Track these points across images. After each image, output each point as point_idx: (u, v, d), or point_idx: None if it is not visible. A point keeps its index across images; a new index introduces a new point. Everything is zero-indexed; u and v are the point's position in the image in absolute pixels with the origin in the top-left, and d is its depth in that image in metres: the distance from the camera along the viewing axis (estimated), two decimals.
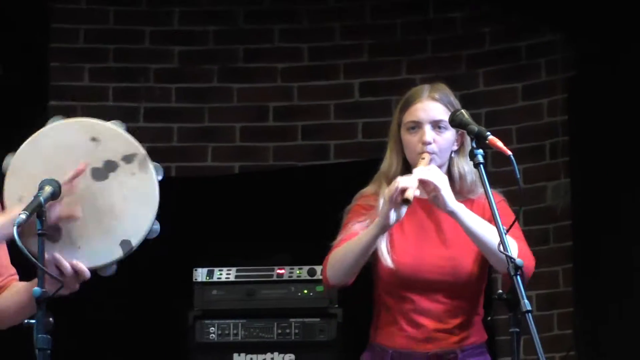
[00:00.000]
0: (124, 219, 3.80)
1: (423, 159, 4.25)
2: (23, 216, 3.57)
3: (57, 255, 3.68)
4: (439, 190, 4.14)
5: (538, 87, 7.19)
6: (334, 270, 4.30)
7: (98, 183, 3.78)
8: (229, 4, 7.56)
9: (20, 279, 3.98)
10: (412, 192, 4.07)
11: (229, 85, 7.53)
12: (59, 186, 3.69)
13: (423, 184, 4.13)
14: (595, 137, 6.79)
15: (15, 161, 3.80)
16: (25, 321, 3.63)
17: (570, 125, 6.99)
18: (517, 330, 3.97)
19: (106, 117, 3.87)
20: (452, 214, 4.18)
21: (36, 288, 3.57)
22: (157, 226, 3.81)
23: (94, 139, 3.80)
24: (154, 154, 4.00)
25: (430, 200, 4.20)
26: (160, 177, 3.84)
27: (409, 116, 4.34)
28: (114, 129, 3.83)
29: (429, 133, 4.28)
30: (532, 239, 4.39)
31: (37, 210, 3.60)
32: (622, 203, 6.49)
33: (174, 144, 7.39)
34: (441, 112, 4.31)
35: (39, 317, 3.56)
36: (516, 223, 4.05)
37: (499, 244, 3.86)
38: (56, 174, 3.72)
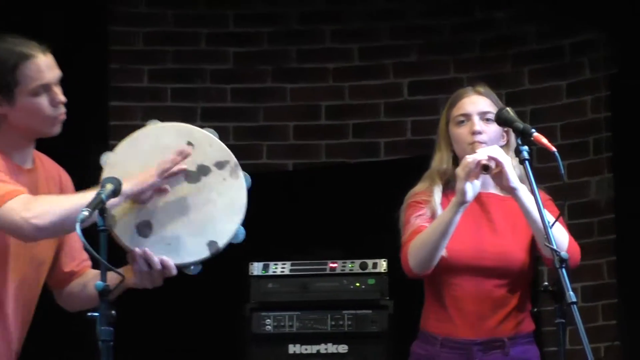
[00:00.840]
0: (213, 221, 3.84)
1: (473, 148, 4.27)
2: (85, 212, 3.60)
3: (148, 251, 3.73)
4: (503, 166, 4.16)
5: (582, 85, 7.17)
6: (417, 258, 4.27)
7: (191, 185, 3.83)
8: (282, 6, 7.58)
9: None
10: (486, 159, 4.12)
11: (282, 85, 7.56)
12: (120, 184, 3.72)
13: (490, 158, 4.15)
14: (638, 133, 6.76)
15: (114, 157, 3.83)
16: (88, 314, 3.69)
17: (613, 121, 6.97)
18: (563, 321, 3.97)
19: (164, 117, 3.90)
20: (513, 191, 4.18)
21: (99, 282, 3.57)
22: (243, 232, 3.86)
23: (189, 143, 3.84)
24: None
25: (492, 177, 4.21)
26: (248, 185, 3.89)
27: (458, 110, 4.38)
28: (209, 136, 3.90)
29: (478, 123, 4.32)
30: (576, 233, 4.39)
31: (98, 207, 3.59)
32: None
33: (230, 142, 7.30)
34: (487, 105, 4.36)
35: (102, 309, 3.57)
36: (561, 219, 4.07)
37: (544, 237, 3.88)
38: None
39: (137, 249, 3.71)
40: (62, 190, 3.99)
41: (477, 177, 4.14)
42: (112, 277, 3.61)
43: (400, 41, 7.51)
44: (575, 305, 3.83)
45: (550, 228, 3.86)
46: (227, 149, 3.91)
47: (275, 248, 6.45)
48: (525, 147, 4.01)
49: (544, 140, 4.02)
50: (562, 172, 4.02)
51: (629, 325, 6.63)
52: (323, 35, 7.58)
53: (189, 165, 3.81)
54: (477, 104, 4.37)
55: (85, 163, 3.91)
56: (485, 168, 4.11)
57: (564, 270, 3.86)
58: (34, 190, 3.84)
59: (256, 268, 6.29)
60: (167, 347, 6.67)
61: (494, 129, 4.33)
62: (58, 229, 3.74)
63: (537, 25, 7.31)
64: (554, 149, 3.97)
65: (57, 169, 4.03)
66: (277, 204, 7.12)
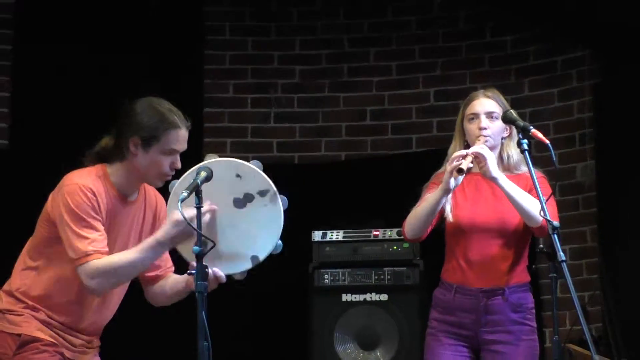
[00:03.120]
0: (255, 239, 3.79)
1: (479, 141, 4.31)
2: (185, 194, 3.59)
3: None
4: (486, 160, 4.20)
5: (570, 92, 7.10)
6: (410, 226, 4.36)
7: (238, 210, 3.78)
8: (336, 33, 7.56)
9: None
10: (466, 164, 4.15)
11: (337, 94, 7.53)
12: (212, 171, 3.72)
13: (476, 157, 4.17)
14: (614, 129, 6.71)
15: (178, 186, 3.76)
16: (188, 272, 3.68)
17: (595, 120, 6.91)
18: (555, 275, 3.97)
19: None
20: (493, 179, 4.23)
21: (195, 247, 3.58)
22: (280, 244, 3.81)
23: (238, 175, 3.78)
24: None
25: (479, 169, 4.24)
26: (285, 207, 3.81)
27: (469, 110, 4.42)
28: (254, 169, 3.79)
29: (484, 121, 4.35)
30: (565, 206, 4.41)
31: (195, 189, 3.62)
32: (634, 178, 6.41)
33: (296, 139, 7.41)
34: (493, 106, 4.38)
35: (199, 268, 3.57)
36: (552, 197, 4.15)
37: (540, 210, 3.91)
38: (207, 198, 3.69)
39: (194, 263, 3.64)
40: (155, 215, 3.97)
41: (456, 176, 4.16)
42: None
43: (428, 59, 7.47)
44: (564, 263, 3.84)
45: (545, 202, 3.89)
46: (268, 179, 3.79)
47: (331, 220, 6.43)
48: (525, 140, 4.10)
49: (540, 135, 4.08)
50: (554, 159, 4.07)
51: (606, 279, 6.58)
52: (368, 55, 7.55)
53: (237, 193, 3.76)
54: (485, 105, 4.39)
55: (183, 154, 3.89)
56: (460, 171, 4.13)
57: (555, 235, 3.86)
58: (132, 217, 3.88)
59: (317, 235, 6.29)
60: (247, 297, 6.68)
61: (497, 124, 4.36)
62: (116, 286, 3.82)
63: (535, 46, 7.24)
64: (547, 141, 4.04)
65: (155, 194, 4.00)
66: (333, 186, 7.11)
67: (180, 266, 3.88)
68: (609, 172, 6.73)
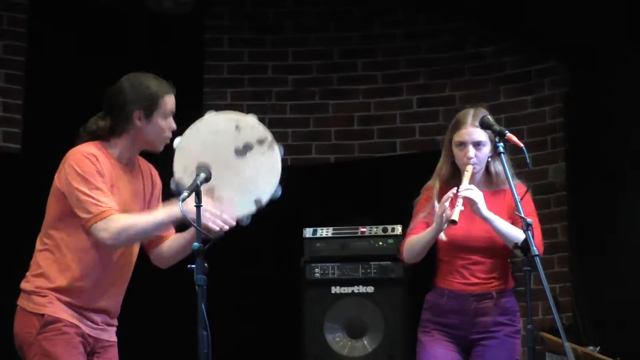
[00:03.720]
0: (257, 184, 3.84)
1: (467, 171, 4.27)
2: (185, 194, 3.61)
3: (213, 210, 3.71)
4: (477, 203, 4.18)
5: (542, 99, 7.10)
6: (408, 253, 4.37)
7: (239, 159, 3.84)
8: (326, 45, 7.55)
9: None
10: (457, 215, 4.10)
11: (327, 101, 7.52)
12: (210, 172, 3.72)
13: (466, 200, 4.15)
14: (583, 133, 6.71)
15: (182, 141, 3.86)
16: (188, 266, 3.67)
17: (565, 125, 6.92)
18: (529, 268, 3.97)
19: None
20: (486, 219, 4.21)
21: (195, 244, 3.59)
22: (280, 190, 3.85)
23: (237, 127, 3.87)
24: None
25: (472, 211, 4.22)
26: (282, 155, 3.88)
27: (458, 137, 4.35)
28: (252, 120, 3.90)
29: (471, 151, 4.30)
30: (538, 205, 4.39)
31: (195, 190, 3.64)
32: (601, 179, 6.41)
33: (289, 143, 7.39)
34: (480, 135, 4.32)
35: (198, 263, 3.57)
36: (536, 218, 4.19)
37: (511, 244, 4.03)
38: (210, 151, 3.80)
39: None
40: (153, 183, 4.02)
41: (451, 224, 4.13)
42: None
43: (411, 69, 7.46)
44: (537, 257, 3.83)
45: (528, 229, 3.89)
46: (266, 129, 3.89)
47: (321, 217, 6.42)
48: (501, 144, 4.10)
49: (515, 139, 4.08)
50: (528, 161, 4.05)
51: (576, 272, 6.59)
52: (356, 65, 7.54)
53: (237, 143, 3.84)
54: (472, 135, 4.32)
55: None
56: (453, 222, 4.10)
57: (529, 232, 3.87)
58: (128, 186, 3.90)
59: (308, 232, 6.28)
60: (244, 290, 6.68)
61: (484, 151, 4.34)
62: (128, 244, 3.83)
63: (510, 57, 7.24)
64: (522, 145, 4.04)
65: (150, 167, 4.05)
66: (323, 186, 7.12)
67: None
68: (578, 173, 6.75)
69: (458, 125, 4.36)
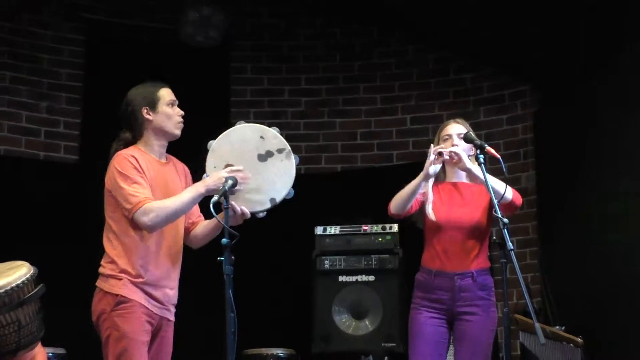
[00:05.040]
0: (274, 186, 3.88)
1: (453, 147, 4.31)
2: (216, 198, 3.65)
3: (234, 204, 3.77)
4: (460, 156, 4.21)
5: (516, 118, 7.09)
6: (394, 203, 4.33)
7: (261, 163, 3.88)
8: (333, 72, 7.55)
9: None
10: (445, 152, 4.18)
11: (334, 119, 7.52)
12: (236, 180, 3.74)
13: (451, 156, 4.16)
14: (550, 146, 6.70)
15: (214, 144, 3.92)
16: (218, 258, 3.67)
17: (535, 139, 6.91)
18: (505, 260, 3.97)
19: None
20: (468, 170, 4.23)
21: (224, 239, 3.61)
22: (292, 192, 3.89)
23: (261, 137, 3.91)
24: None
25: (454, 164, 4.24)
26: (297, 163, 3.93)
27: (444, 132, 4.41)
28: (274, 132, 3.93)
29: (456, 139, 4.35)
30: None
31: (223, 194, 3.69)
32: (567, 185, 6.39)
33: (302, 154, 7.39)
34: (462, 128, 4.38)
35: (226, 256, 3.60)
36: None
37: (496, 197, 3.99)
38: (237, 154, 3.86)
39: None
40: (186, 178, 4.06)
41: (435, 163, 4.18)
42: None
43: (405, 92, 7.45)
44: (512, 251, 3.83)
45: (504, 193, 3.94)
46: (285, 140, 3.93)
47: (330, 218, 6.40)
48: (482, 156, 4.09)
49: (493, 151, 4.09)
50: (504, 170, 4.07)
51: (544, 263, 6.57)
52: (358, 89, 7.54)
53: (260, 150, 3.89)
54: (456, 128, 4.39)
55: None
56: (439, 154, 4.15)
57: (505, 230, 3.86)
58: (166, 176, 3.95)
59: (319, 230, 6.27)
60: (264, 279, 6.66)
61: (465, 144, 4.33)
62: (165, 224, 3.83)
63: (488, 82, 7.24)
64: (499, 156, 4.06)
65: (183, 165, 4.10)
66: (331, 191, 7.10)
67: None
68: (546, 180, 6.73)
69: (443, 126, 4.44)
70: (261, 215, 3.88)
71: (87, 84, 7.15)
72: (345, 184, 7.22)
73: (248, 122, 3.98)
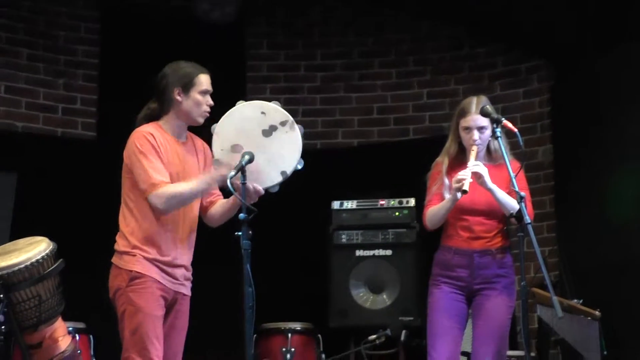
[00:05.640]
0: (282, 159, 3.85)
1: (473, 150, 4.25)
2: (233, 172, 3.66)
3: (246, 182, 3.75)
4: (483, 177, 4.16)
5: (532, 91, 7.05)
6: (431, 222, 4.32)
7: (266, 138, 3.85)
8: (348, 46, 7.52)
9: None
10: (467, 185, 4.08)
11: (350, 94, 7.49)
12: (253, 155, 3.74)
13: (474, 174, 4.12)
14: (567, 119, 6.66)
15: (218, 127, 3.90)
16: (235, 233, 3.68)
17: (551, 113, 6.87)
18: (522, 234, 3.96)
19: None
20: (489, 190, 4.19)
21: (241, 214, 3.65)
22: (302, 162, 3.87)
23: (262, 113, 3.88)
24: (307, 137, 4.05)
25: (479, 183, 4.19)
26: (302, 133, 3.88)
27: (464, 123, 4.31)
28: (275, 106, 3.90)
29: (476, 134, 4.28)
30: (530, 181, 4.37)
31: (240, 169, 3.70)
32: (584, 158, 6.37)
33: (318, 129, 7.39)
34: (483, 121, 4.28)
35: (244, 231, 3.62)
36: (528, 191, 4.18)
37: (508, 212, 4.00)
38: (241, 133, 3.84)
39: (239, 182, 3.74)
40: (205, 157, 4.05)
41: (463, 194, 4.11)
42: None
43: (421, 67, 7.42)
44: (529, 225, 3.82)
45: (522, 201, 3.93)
46: (286, 112, 3.89)
47: (347, 192, 6.39)
48: (498, 129, 4.07)
49: (510, 125, 4.07)
50: (521, 144, 4.05)
51: (561, 237, 6.56)
52: (373, 64, 7.51)
53: (264, 126, 3.85)
54: (477, 121, 4.29)
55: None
56: (464, 192, 4.08)
57: (522, 204, 3.85)
58: (183, 156, 3.96)
59: (336, 204, 6.25)
60: (282, 253, 6.67)
61: (486, 134, 4.31)
62: (179, 207, 3.86)
63: (503, 56, 7.19)
64: (516, 130, 4.02)
65: (203, 143, 4.09)
66: (348, 166, 7.10)
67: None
68: (563, 153, 6.71)
69: (464, 113, 4.32)
70: (275, 189, 3.88)
71: (104, 61, 7.15)
72: (362, 158, 7.20)
73: (248, 102, 3.96)
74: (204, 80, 3.95)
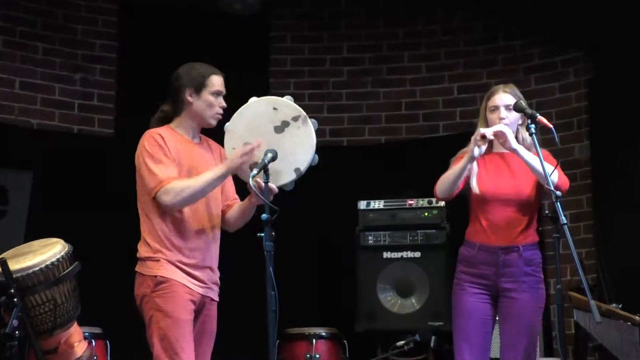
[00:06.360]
0: (296, 155, 3.85)
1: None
2: (255, 171, 3.68)
3: (259, 181, 3.75)
4: (506, 136, 4.14)
5: (568, 85, 7.02)
6: (440, 186, 4.28)
7: (278, 135, 3.86)
8: (376, 40, 7.51)
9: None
10: (489, 133, 4.10)
11: (378, 89, 7.48)
12: (277, 153, 3.74)
13: (496, 135, 4.11)
14: (605, 115, 6.62)
15: (230, 125, 3.93)
16: (258, 234, 3.68)
17: (589, 108, 6.83)
18: (558, 235, 3.94)
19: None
20: (514, 150, 4.16)
21: (264, 215, 3.65)
22: (316, 157, 3.87)
23: (274, 108, 3.88)
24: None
25: (500, 144, 4.17)
26: (316, 127, 3.87)
27: (491, 102, 4.31)
28: (286, 101, 3.90)
29: (503, 112, 4.27)
30: None
31: (263, 168, 3.72)
32: (623, 156, 6.33)
33: (345, 126, 7.39)
34: (510, 99, 4.27)
35: (267, 232, 3.62)
36: (558, 166, 4.14)
37: (546, 175, 3.91)
38: (253, 130, 3.85)
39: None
40: (221, 156, 4.06)
41: (479, 144, 4.11)
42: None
43: (452, 60, 7.40)
44: (565, 225, 3.79)
45: (550, 174, 3.86)
46: (299, 107, 3.88)
47: (374, 192, 6.39)
48: (533, 125, 4.04)
49: (545, 121, 4.04)
50: (557, 140, 4.00)
51: (599, 238, 6.52)
52: (402, 57, 7.49)
53: (275, 122, 3.86)
54: (504, 99, 4.29)
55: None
56: (483, 137, 4.08)
57: (558, 203, 3.82)
58: (196, 156, 3.98)
59: (362, 204, 6.27)
60: (306, 255, 6.68)
61: (514, 114, 4.29)
62: (187, 204, 3.85)
63: (539, 49, 7.16)
64: (551, 125, 4.00)
65: (218, 146, 4.10)
66: (375, 164, 7.09)
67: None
68: (601, 150, 6.67)
69: (490, 94, 4.35)
70: (289, 188, 3.87)
71: (122, 55, 7.18)
72: (390, 156, 7.19)
73: (260, 98, 3.96)
74: (216, 82, 3.97)
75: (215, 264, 3.98)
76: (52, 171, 6.67)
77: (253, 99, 3.94)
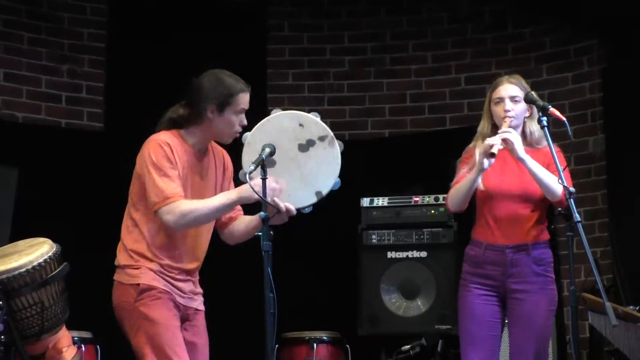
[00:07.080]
0: (318, 177, 3.83)
1: (505, 122, 4.24)
2: (252, 167, 3.65)
3: (277, 201, 3.72)
4: (513, 144, 4.13)
5: (582, 76, 7.01)
6: (452, 201, 4.29)
7: (302, 154, 3.83)
8: (379, 28, 7.51)
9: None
10: (497, 148, 4.08)
11: (381, 80, 7.48)
12: (275, 148, 3.73)
13: (504, 140, 4.11)
14: (620, 106, 6.62)
15: (250, 137, 3.86)
16: (256, 233, 3.69)
17: (603, 100, 6.83)
18: (571, 234, 3.95)
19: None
20: (521, 160, 4.15)
21: (262, 213, 3.64)
22: (339, 182, 3.85)
23: (300, 125, 3.85)
24: (335, 127, 4.04)
25: (508, 150, 4.17)
26: (341, 150, 3.85)
27: (496, 94, 4.32)
28: (314, 118, 3.87)
29: (508, 104, 4.27)
30: (579, 174, 4.37)
31: (260, 163, 3.68)
32: (638, 149, 6.32)
33: (346, 119, 7.38)
34: (516, 90, 4.28)
35: (264, 231, 3.62)
36: (567, 168, 4.09)
37: (557, 179, 3.88)
38: (275, 146, 3.78)
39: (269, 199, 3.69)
40: (225, 165, 4.03)
41: (488, 158, 4.11)
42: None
43: (459, 49, 7.40)
44: (579, 223, 3.79)
45: (558, 180, 3.86)
46: (327, 127, 3.86)
47: (377, 188, 6.40)
48: (545, 118, 4.03)
49: (557, 113, 4.04)
50: (570, 133, 4.03)
51: (615, 236, 6.51)
52: (407, 46, 7.49)
53: (300, 139, 3.83)
54: (509, 90, 4.29)
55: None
56: (492, 155, 4.07)
57: (571, 200, 3.82)
58: (201, 169, 3.92)
59: (365, 201, 6.27)
60: (306, 255, 6.67)
61: (520, 106, 4.30)
62: (188, 228, 3.83)
63: (551, 36, 7.16)
64: (564, 118, 4.01)
65: (223, 152, 4.06)
66: (378, 159, 7.09)
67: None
68: (616, 144, 6.66)
69: (495, 85, 4.35)
70: (307, 210, 3.86)
71: (112, 45, 7.17)
72: (394, 151, 7.19)
73: (285, 111, 3.92)
74: (242, 100, 3.85)
75: (197, 276, 3.97)
76: (39, 167, 6.67)
77: (277, 111, 3.90)
